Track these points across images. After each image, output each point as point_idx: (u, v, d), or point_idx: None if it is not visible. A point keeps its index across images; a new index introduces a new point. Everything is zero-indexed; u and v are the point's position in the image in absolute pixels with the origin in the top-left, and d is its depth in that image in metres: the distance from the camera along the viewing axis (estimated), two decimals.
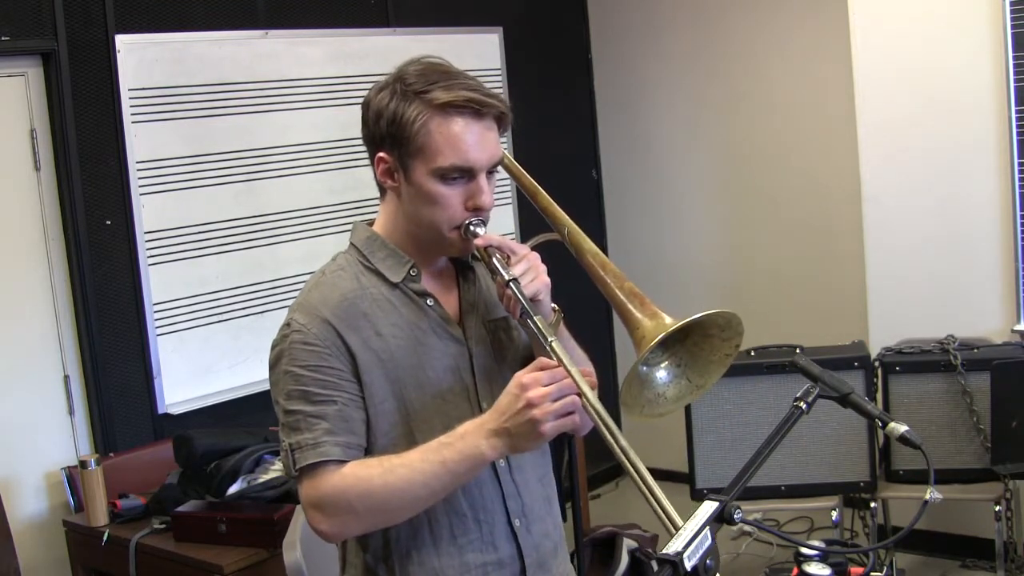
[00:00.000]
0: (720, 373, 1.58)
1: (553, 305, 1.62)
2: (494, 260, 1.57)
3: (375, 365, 1.58)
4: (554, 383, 1.43)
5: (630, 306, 1.56)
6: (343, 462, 1.53)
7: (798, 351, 3.48)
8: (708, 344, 1.56)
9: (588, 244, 1.67)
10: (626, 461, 1.40)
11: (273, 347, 1.60)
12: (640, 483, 1.38)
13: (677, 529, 1.29)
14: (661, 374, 1.57)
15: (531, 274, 1.56)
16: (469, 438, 1.48)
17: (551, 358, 1.47)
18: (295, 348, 1.56)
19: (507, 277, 1.54)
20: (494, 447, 1.46)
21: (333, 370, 1.55)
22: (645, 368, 1.55)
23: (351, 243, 1.68)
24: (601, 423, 1.43)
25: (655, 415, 1.58)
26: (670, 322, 1.49)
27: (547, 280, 1.58)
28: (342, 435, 1.54)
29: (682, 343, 1.56)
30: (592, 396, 1.45)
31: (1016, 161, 3.65)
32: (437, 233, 1.59)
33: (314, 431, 1.53)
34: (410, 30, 4.38)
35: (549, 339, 1.49)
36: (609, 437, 1.41)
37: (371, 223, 1.69)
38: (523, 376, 1.45)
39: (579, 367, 1.50)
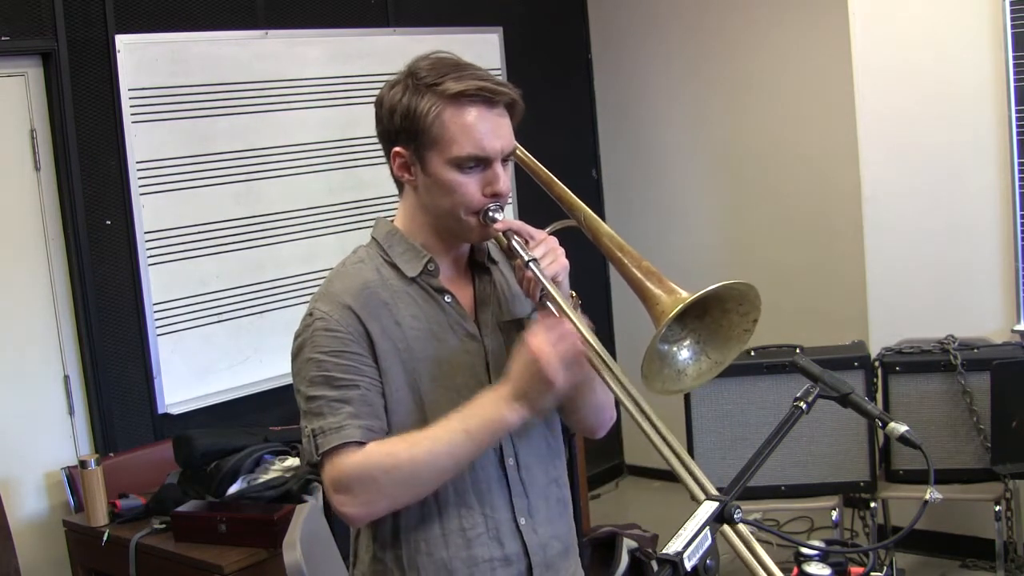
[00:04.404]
0: (739, 349, 1.60)
1: (571, 292, 1.64)
2: (513, 242, 1.58)
3: (392, 353, 1.59)
4: (553, 330, 1.50)
5: (648, 283, 1.58)
6: (363, 444, 1.54)
7: (798, 351, 3.48)
8: (727, 320, 1.57)
9: (604, 228, 1.69)
10: (625, 396, 1.48)
11: (296, 338, 1.62)
12: (640, 417, 1.45)
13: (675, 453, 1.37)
14: (683, 353, 1.59)
15: (550, 256, 1.58)
16: (490, 406, 1.52)
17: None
18: (318, 335, 1.58)
19: (527, 258, 1.56)
20: (515, 410, 1.51)
21: (355, 355, 1.57)
22: (665, 345, 1.57)
23: (372, 237, 1.71)
24: (601, 362, 1.51)
25: (674, 391, 1.60)
26: (687, 296, 1.51)
27: (565, 263, 1.60)
28: (365, 419, 1.55)
29: (701, 319, 1.58)
30: (591, 336, 1.51)
31: (1016, 161, 3.64)
32: (456, 220, 1.61)
33: (337, 415, 1.54)
34: (410, 30, 4.37)
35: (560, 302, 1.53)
36: (610, 378, 1.50)
37: (392, 219, 1.71)
38: (527, 334, 1.51)
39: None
